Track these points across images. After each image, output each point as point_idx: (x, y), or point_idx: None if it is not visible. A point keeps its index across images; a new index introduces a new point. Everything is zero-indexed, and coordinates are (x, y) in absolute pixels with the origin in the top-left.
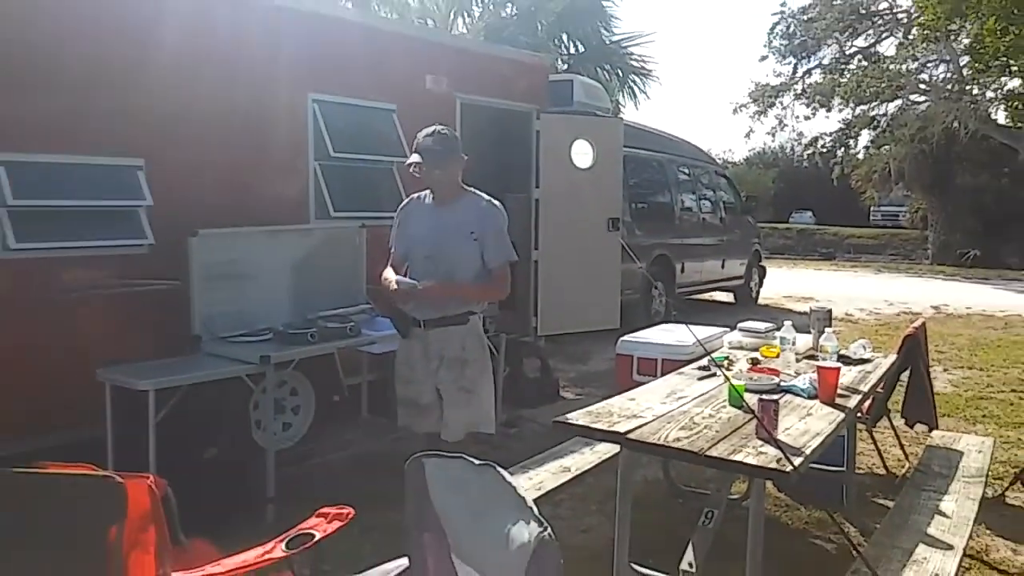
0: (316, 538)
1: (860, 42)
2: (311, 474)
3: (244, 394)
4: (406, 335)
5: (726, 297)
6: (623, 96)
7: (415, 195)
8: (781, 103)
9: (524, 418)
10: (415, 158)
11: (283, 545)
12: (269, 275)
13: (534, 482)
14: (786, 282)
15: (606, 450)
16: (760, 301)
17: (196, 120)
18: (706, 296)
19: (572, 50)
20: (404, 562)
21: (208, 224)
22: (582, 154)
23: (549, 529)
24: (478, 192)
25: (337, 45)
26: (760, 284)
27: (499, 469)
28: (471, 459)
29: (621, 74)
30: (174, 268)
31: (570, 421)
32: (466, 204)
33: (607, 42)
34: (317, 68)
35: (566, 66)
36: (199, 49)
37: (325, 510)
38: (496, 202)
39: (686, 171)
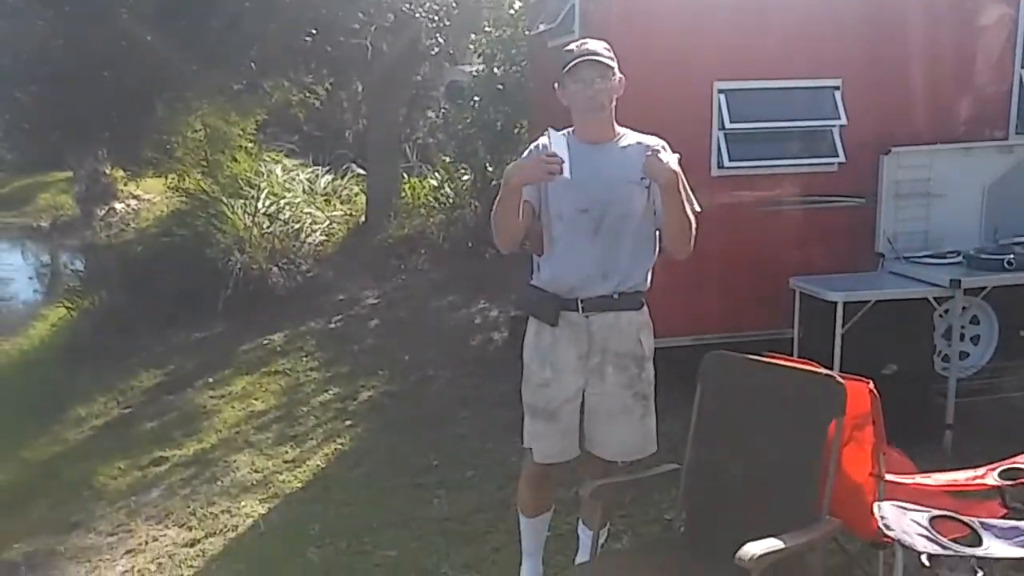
0: None
1: None
2: (989, 409)
3: (926, 317)
4: (554, 322)
5: None
6: None
7: (546, 134)
8: None
9: None
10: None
11: (995, 474)
12: (961, 195)
13: None
14: None
15: None
16: None
17: (892, 36)
18: None
19: None
20: None
21: (898, 142)
22: None
23: None
24: (633, 129)
25: None
26: None
27: None
28: None
29: None
30: (861, 186)
31: None
32: (628, 142)
33: None
34: None
35: None
36: None
37: None
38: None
39: None
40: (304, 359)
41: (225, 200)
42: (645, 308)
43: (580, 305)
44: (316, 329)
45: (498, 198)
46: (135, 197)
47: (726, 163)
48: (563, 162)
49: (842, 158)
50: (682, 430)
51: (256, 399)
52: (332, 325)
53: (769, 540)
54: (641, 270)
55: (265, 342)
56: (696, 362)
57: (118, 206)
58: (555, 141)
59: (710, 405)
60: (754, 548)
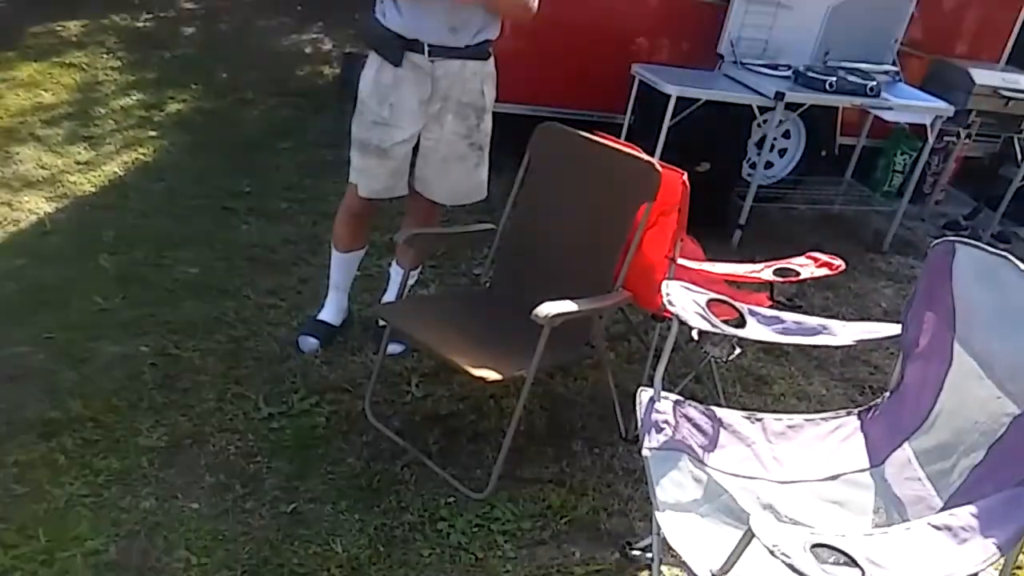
0: (801, 275)
1: None
2: (777, 216)
3: (746, 124)
4: (398, 62)
5: None
6: None
7: None
8: None
9: None
10: None
11: (771, 271)
12: (806, 11)
13: None
14: None
15: None
16: None
17: None
18: None
19: None
20: None
21: None
22: None
23: None
24: None
25: None
26: None
27: None
28: (1018, 262)
29: None
30: None
31: None
32: None
33: None
34: None
35: None
36: None
37: (815, 255)
38: None
39: None
40: (104, 56)
41: None
42: (492, 59)
43: (427, 49)
44: (121, 25)
45: None
46: None
47: None
48: None
49: None
50: (503, 195)
51: (46, 90)
52: (140, 24)
53: (564, 302)
54: (492, 23)
55: (58, 28)
56: (529, 131)
57: None
58: None
59: (535, 173)
60: (549, 307)
